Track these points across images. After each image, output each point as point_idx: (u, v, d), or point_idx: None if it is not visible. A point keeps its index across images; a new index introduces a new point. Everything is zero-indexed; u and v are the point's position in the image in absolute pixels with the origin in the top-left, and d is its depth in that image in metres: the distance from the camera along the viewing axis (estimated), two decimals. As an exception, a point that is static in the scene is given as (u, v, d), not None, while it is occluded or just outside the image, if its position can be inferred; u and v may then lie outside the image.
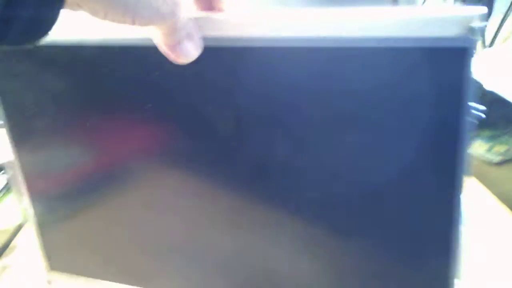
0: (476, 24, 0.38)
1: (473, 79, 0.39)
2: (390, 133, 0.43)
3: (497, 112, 0.80)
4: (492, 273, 0.65)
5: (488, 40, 1.20)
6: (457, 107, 0.40)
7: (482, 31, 0.39)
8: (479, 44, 0.40)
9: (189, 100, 0.47)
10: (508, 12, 1.16)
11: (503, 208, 0.78)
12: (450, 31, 0.39)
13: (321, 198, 0.46)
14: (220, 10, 0.44)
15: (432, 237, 0.45)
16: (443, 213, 0.43)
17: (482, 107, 0.41)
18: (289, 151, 0.46)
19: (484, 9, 0.38)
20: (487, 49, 1.14)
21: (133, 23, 0.36)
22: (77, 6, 0.33)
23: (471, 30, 0.38)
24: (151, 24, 0.37)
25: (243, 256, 0.52)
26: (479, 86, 0.83)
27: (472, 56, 0.39)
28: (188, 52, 0.41)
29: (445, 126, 0.41)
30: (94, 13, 0.34)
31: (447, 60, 0.40)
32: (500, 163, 0.82)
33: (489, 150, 0.85)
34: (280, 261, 0.51)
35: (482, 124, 0.83)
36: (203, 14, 0.43)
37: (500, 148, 0.83)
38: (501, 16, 1.17)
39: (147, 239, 0.55)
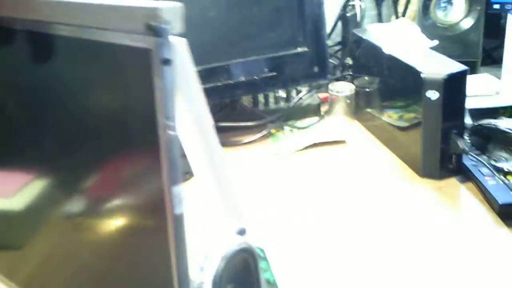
0: (160, 21, 0.31)
1: (169, 88, 0.33)
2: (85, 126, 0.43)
3: (408, 82, 0.85)
4: (396, 224, 0.71)
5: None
6: (147, 116, 0.35)
7: (165, 30, 0.31)
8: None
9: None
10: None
11: (405, 166, 0.87)
12: (131, 27, 0.33)
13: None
14: None
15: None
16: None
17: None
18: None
19: (178, 5, 0.32)
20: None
21: None
22: None
23: (151, 28, 0.31)
24: None
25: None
26: (379, 50, 0.88)
27: (161, 59, 0.32)
28: None
29: (138, 138, 0.38)
30: None
31: (130, 60, 0.35)
32: (407, 128, 0.87)
33: (399, 118, 0.91)
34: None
35: (394, 94, 0.89)
36: None
37: (409, 116, 0.89)
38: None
39: None
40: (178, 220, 0.36)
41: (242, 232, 0.45)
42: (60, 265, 0.55)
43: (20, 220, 0.59)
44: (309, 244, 0.70)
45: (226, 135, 1.01)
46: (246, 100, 1.08)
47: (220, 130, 0.99)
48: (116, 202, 0.44)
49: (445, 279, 0.62)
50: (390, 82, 0.92)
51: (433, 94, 0.76)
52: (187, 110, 0.39)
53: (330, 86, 1.05)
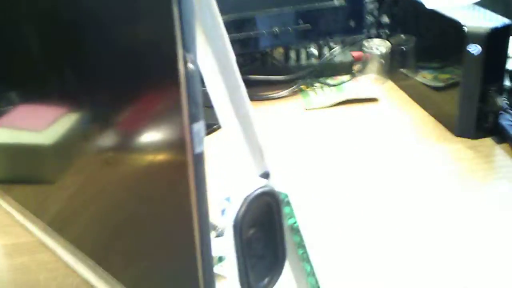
0: None
1: (188, 17, 0.31)
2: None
3: (448, 38, 0.83)
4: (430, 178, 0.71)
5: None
6: (165, 48, 0.33)
7: None
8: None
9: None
10: None
11: (440, 125, 0.85)
12: None
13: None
14: None
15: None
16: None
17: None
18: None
19: None
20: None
21: None
22: None
23: None
24: None
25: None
26: (420, 5, 0.85)
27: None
28: None
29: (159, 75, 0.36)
30: None
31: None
32: (442, 88, 0.85)
33: (434, 78, 0.89)
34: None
35: (431, 53, 0.87)
36: None
37: (444, 76, 0.87)
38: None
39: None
40: (198, 159, 0.34)
41: (265, 175, 0.43)
42: (84, 202, 0.56)
43: (49, 155, 0.59)
44: (335, 194, 0.69)
45: (255, 89, 1.00)
46: (277, 54, 1.06)
47: (250, 84, 0.99)
48: (139, 138, 0.43)
49: (476, 238, 0.60)
50: (428, 40, 0.90)
51: (475, 49, 0.74)
52: (207, 43, 0.36)
53: (365, 43, 1.02)
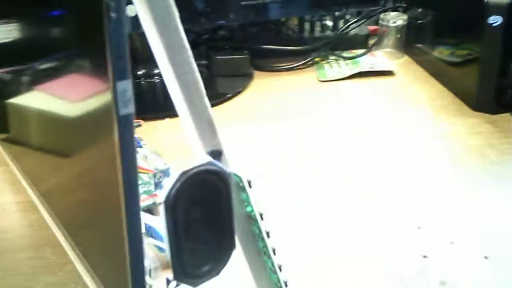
0: None
1: None
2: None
3: (467, 11, 0.81)
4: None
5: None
6: None
7: None
8: None
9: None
10: None
11: (457, 99, 0.84)
12: None
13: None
14: None
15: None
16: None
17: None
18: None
19: None
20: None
21: None
22: None
23: None
24: None
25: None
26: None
27: None
28: None
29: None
30: None
31: None
32: (460, 63, 0.84)
33: (451, 54, 0.87)
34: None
35: (449, 28, 0.85)
36: None
37: (461, 52, 0.85)
38: None
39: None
40: (124, 122, 0.30)
41: (216, 154, 0.38)
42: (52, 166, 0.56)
43: (69, 127, 0.58)
44: (348, 165, 0.68)
45: (269, 60, 0.99)
46: (292, 25, 1.05)
47: (263, 54, 0.98)
48: (70, 97, 0.42)
49: (496, 211, 0.59)
50: (446, 13, 0.88)
51: (495, 20, 0.72)
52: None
53: (382, 16, 1.00)
